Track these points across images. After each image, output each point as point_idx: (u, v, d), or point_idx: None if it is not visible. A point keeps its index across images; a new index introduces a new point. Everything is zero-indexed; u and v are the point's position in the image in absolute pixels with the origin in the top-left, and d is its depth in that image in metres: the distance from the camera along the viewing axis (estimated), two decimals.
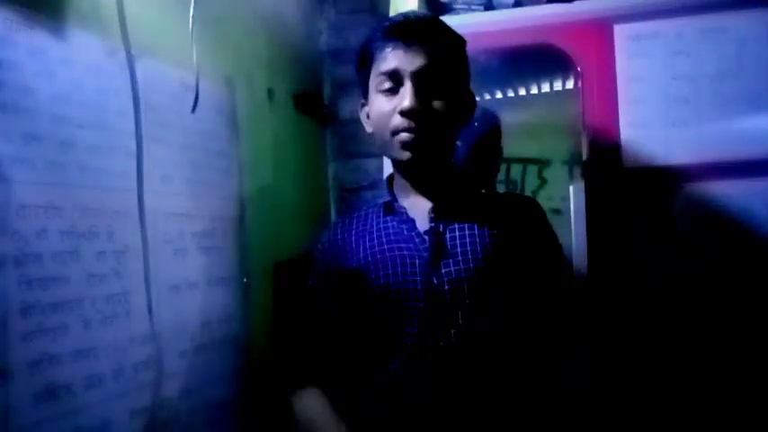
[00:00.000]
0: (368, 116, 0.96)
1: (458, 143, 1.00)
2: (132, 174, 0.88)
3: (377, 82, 0.90)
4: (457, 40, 0.93)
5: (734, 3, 1.22)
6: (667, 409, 1.21)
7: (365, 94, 0.95)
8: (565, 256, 0.99)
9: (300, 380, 0.96)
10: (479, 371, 0.86)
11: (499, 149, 1.38)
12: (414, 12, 1.02)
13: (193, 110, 0.99)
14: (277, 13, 1.41)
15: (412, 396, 0.87)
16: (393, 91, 0.89)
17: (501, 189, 1.69)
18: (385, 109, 0.89)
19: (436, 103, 0.88)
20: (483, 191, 1.03)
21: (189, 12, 0.97)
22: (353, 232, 0.98)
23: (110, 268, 0.82)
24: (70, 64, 0.78)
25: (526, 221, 0.96)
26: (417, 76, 0.86)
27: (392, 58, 0.87)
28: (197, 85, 0.98)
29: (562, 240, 1.25)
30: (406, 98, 0.86)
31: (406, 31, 0.88)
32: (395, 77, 0.88)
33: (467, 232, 0.91)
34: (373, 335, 0.91)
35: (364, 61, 0.93)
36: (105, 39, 0.84)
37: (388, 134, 0.89)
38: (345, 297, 0.95)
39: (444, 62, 0.89)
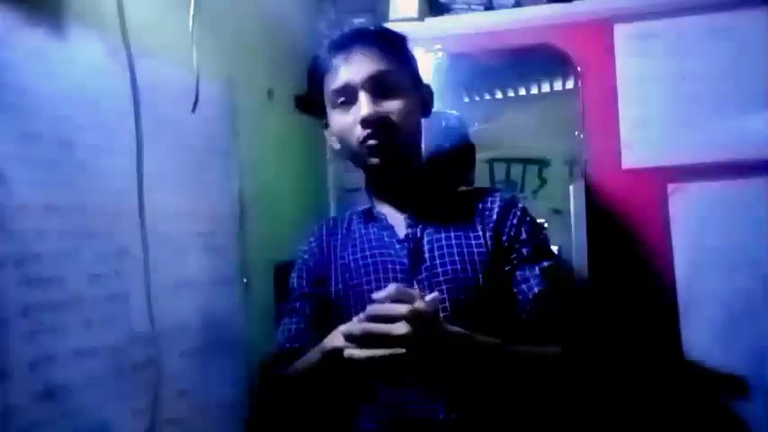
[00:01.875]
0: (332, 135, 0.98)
1: (423, 149, 1.00)
2: (132, 174, 0.88)
3: (332, 100, 0.93)
4: (396, 38, 0.96)
5: (734, 3, 1.22)
6: (665, 409, 1.21)
7: (325, 115, 0.98)
8: (552, 250, 0.97)
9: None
10: (462, 380, 0.84)
11: (470, 146, 1.33)
12: (349, 27, 1.08)
13: (193, 110, 0.99)
14: (277, 13, 1.41)
15: (399, 411, 0.85)
16: (348, 103, 0.91)
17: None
18: (345, 123, 0.91)
19: (393, 104, 0.89)
20: (461, 188, 1.02)
21: (189, 12, 0.97)
22: (338, 237, 1.00)
23: (110, 268, 0.82)
24: (70, 64, 0.78)
25: (505, 219, 0.93)
26: (368, 84, 0.89)
27: (340, 74, 0.90)
28: (197, 85, 0.98)
29: (562, 241, 1.26)
30: (362, 107, 0.88)
31: (346, 44, 0.91)
32: (347, 91, 0.90)
33: (443, 235, 0.92)
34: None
35: (316, 85, 0.96)
36: (105, 39, 0.84)
37: (355, 144, 0.91)
38: (333, 307, 0.94)
39: (390, 62, 0.91)
